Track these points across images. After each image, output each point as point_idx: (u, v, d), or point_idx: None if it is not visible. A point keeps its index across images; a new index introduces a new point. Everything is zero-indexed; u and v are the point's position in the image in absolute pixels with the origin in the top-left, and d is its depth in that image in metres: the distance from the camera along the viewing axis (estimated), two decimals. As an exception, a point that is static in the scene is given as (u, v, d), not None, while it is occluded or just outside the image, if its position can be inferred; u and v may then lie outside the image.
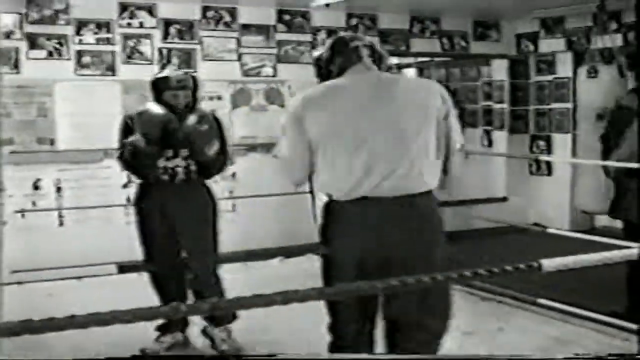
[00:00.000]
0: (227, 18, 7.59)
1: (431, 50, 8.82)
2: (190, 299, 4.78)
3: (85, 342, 4.42)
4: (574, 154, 8.15)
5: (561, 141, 8.69)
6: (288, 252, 7.43)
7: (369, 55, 3.16)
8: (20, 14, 6.74)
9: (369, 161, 2.94)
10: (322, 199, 3.08)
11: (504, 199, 9.05)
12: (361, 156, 2.94)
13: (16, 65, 6.73)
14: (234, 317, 4.78)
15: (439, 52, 8.87)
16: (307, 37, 7.95)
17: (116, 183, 6.87)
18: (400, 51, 8.59)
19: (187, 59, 7.37)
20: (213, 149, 4.51)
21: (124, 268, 6.54)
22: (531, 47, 9.01)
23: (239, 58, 7.67)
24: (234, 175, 7.35)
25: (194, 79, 4.76)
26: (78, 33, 6.98)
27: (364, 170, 2.94)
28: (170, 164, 4.55)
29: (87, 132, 6.91)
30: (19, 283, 6.07)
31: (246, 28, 7.69)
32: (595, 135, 5.93)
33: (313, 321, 3.54)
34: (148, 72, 5.70)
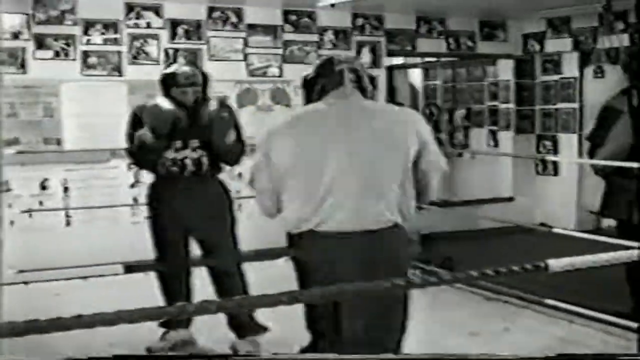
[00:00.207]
0: (234, 18, 7.60)
1: (437, 50, 8.82)
2: (212, 296, 4.64)
3: (91, 341, 4.41)
4: (580, 154, 8.14)
5: (567, 141, 8.68)
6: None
7: (354, 80, 3.10)
8: (27, 14, 6.76)
9: (326, 195, 2.89)
10: None
11: (510, 199, 9.04)
12: (320, 188, 2.90)
13: (22, 66, 6.75)
14: (263, 328, 4.67)
15: (445, 52, 8.87)
16: (314, 38, 7.96)
17: (123, 183, 6.89)
18: (406, 51, 8.60)
19: (193, 59, 7.38)
20: (231, 137, 4.45)
21: (130, 268, 6.54)
22: (537, 47, 9.00)
23: (245, 58, 7.68)
24: (240, 175, 7.35)
25: (204, 74, 4.67)
26: (85, 33, 7.00)
27: (320, 204, 2.90)
28: (179, 156, 4.46)
29: (93, 133, 6.92)
30: (26, 283, 6.07)
31: (252, 28, 7.70)
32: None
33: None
34: (154, 73, 5.70)
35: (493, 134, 9.39)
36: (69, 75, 6.92)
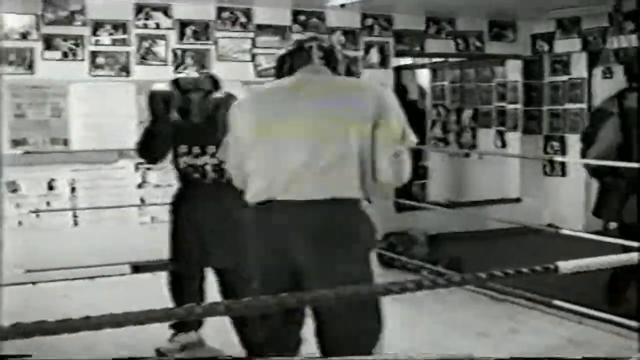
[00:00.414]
0: (243, 19, 7.59)
1: (446, 50, 8.81)
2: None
3: (98, 342, 4.43)
4: (588, 155, 8.12)
5: (575, 142, 8.63)
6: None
7: (323, 57, 3.14)
8: (36, 15, 6.77)
9: (285, 165, 2.90)
10: None
11: (518, 200, 9.03)
12: (279, 160, 2.92)
13: (30, 66, 6.76)
14: None
15: (453, 52, 8.85)
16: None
17: (130, 183, 6.89)
18: (414, 52, 8.59)
19: (201, 59, 7.38)
20: None
21: (137, 268, 6.56)
22: (546, 48, 8.98)
23: (253, 58, 7.67)
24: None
25: (214, 79, 4.59)
26: (94, 34, 7.01)
27: (279, 175, 2.91)
28: (199, 162, 4.41)
29: (101, 133, 6.92)
30: (33, 283, 6.09)
31: (261, 29, 7.70)
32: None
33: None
34: (162, 73, 5.71)
35: (501, 134, 9.38)
36: (77, 76, 6.92)
